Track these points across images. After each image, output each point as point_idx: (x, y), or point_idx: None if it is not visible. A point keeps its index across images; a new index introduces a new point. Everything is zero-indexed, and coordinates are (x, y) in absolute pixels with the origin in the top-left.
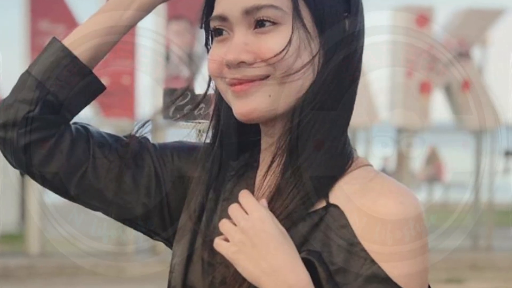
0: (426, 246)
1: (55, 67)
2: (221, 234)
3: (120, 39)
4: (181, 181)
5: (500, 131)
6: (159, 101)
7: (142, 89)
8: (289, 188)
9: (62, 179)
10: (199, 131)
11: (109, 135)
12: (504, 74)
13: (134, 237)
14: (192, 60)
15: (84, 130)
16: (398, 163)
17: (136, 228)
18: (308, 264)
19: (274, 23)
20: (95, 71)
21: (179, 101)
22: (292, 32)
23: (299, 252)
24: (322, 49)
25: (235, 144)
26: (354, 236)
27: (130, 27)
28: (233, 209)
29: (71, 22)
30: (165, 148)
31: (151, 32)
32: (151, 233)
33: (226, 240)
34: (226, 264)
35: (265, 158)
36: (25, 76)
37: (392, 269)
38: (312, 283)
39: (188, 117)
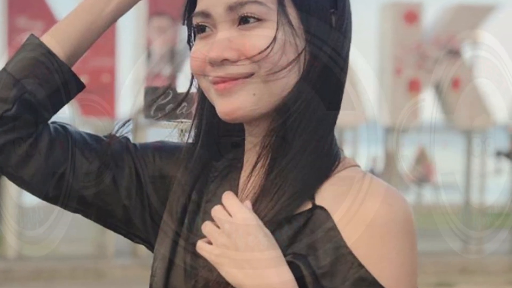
0: (415, 248)
1: (33, 64)
2: (204, 236)
3: (100, 36)
4: (163, 182)
5: (491, 130)
6: (140, 100)
7: (123, 87)
8: (274, 190)
9: (40, 180)
10: (181, 130)
11: (89, 135)
12: (495, 72)
13: (114, 240)
14: (174, 58)
15: (63, 129)
16: (386, 163)
17: (116, 230)
18: (294, 267)
19: (258, 20)
20: (74, 68)
21: (160, 99)
22: (277, 29)
23: (285, 255)
24: (308, 46)
25: (218, 144)
26: (341, 239)
27: (110, 24)
28: (216, 211)
29: (49, 19)
30: (146, 148)
31: (131, 29)
32: (131, 236)
33: (209, 243)
34: (209, 268)
35: (249, 159)
36: (2, 74)
37: (380, 273)
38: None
39: (170, 116)
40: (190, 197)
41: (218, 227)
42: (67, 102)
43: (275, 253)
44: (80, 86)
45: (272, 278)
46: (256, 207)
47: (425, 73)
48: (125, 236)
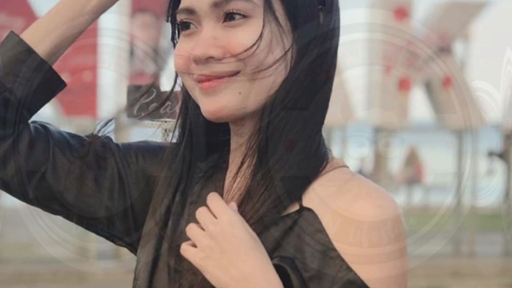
0: (405, 251)
1: (13, 62)
2: (188, 239)
3: (82, 33)
4: (146, 183)
5: (483, 130)
6: (123, 99)
7: (105, 86)
8: (260, 191)
9: (20, 181)
10: (165, 130)
11: (70, 134)
12: (487, 70)
13: (96, 242)
14: (158, 56)
15: (44, 129)
16: (375, 164)
17: (98, 232)
18: (281, 271)
19: (244, 16)
20: (55, 66)
21: (144, 98)
22: (264, 26)
23: (271, 258)
24: (295, 44)
25: (203, 144)
26: (329, 241)
27: (92, 20)
28: (201, 212)
29: (29, 15)
30: (129, 149)
31: (114, 26)
32: (114, 238)
33: (194, 245)
34: (194, 271)
35: (234, 159)
36: None
37: (369, 276)
38: None
39: (154, 115)
40: (174, 199)
41: (203, 229)
42: (48, 101)
43: (261, 256)
44: (61, 85)
45: (258, 282)
46: (241, 209)
47: (416, 71)
48: (107, 238)
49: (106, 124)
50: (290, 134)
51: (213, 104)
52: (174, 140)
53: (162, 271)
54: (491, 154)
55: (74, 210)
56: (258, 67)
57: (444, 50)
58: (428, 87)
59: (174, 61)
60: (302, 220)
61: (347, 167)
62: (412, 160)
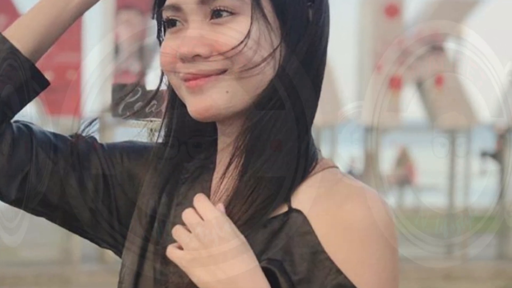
0: (396, 253)
1: None
2: (174, 241)
3: (66, 30)
4: (131, 184)
5: (476, 130)
6: (108, 98)
7: (89, 84)
8: (248, 192)
9: (3, 182)
10: (151, 130)
11: (54, 134)
12: (480, 69)
13: (81, 244)
14: (143, 54)
15: (27, 129)
16: (366, 164)
17: (82, 234)
18: (269, 274)
19: (231, 13)
20: (38, 65)
21: (129, 97)
22: (251, 23)
23: (259, 261)
24: (284, 42)
25: (189, 144)
26: (318, 243)
27: (76, 18)
28: (187, 214)
29: (12, 13)
30: (113, 149)
31: (98, 23)
32: (98, 240)
33: (180, 248)
34: (180, 274)
35: (222, 159)
36: None
37: (360, 279)
38: None
39: (139, 115)
40: (159, 200)
41: (189, 231)
42: (31, 100)
43: (249, 258)
44: (45, 83)
45: (246, 284)
46: (229, 210)
47: (407, 69)
48: (91, 240)
49: (90, 123)
50: (279, 134)
51: (200, 103)
52: (160, 140)
53: (147, 273)
54: (484, 154)
55: (58, 212)
56: (246, 65)
57: (436, 48)
58: (420, 86)
59: (160, 59)
60: (291, 222)
61: (337, 167)
62: (404, 161)
